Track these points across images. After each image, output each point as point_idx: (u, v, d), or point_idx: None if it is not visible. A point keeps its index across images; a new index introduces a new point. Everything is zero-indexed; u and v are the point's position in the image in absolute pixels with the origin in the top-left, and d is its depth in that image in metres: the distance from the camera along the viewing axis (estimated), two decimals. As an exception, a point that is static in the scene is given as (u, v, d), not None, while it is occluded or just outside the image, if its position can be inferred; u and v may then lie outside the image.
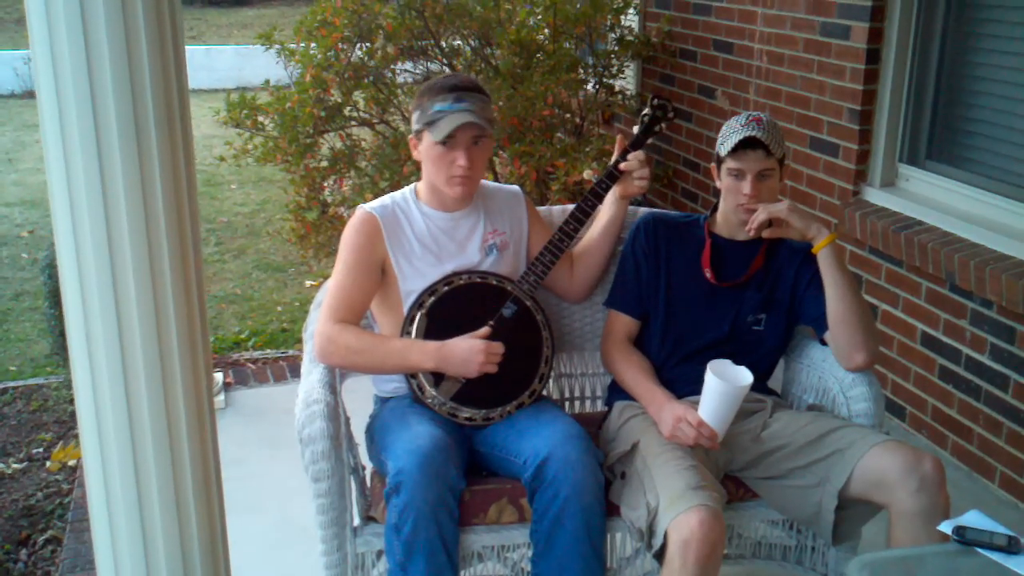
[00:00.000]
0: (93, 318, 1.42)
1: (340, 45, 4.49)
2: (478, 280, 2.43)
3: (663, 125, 2.64)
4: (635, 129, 2.62)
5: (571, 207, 2.56)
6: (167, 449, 1.50)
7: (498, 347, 2.33)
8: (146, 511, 1.51)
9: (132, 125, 1.36)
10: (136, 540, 1.52)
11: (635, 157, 2.51)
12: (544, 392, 2.48)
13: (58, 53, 1.31)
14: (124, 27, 1.32)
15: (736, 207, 2.45)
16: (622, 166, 2.52)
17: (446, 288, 2.40)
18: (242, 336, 4.84)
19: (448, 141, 2.33)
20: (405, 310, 2.40)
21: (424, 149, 2.39)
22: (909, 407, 3.58)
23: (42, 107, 1.36)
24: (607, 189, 2.55)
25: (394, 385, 2.47)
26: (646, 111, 2.63)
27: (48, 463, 3.53)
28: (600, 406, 2.78)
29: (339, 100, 4.55)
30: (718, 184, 2.50)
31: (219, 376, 4.00)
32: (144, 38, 1.34)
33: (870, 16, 3.55)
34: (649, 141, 2.63)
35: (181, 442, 1.51)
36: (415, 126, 2.40)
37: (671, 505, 2.07)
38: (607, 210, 2.59)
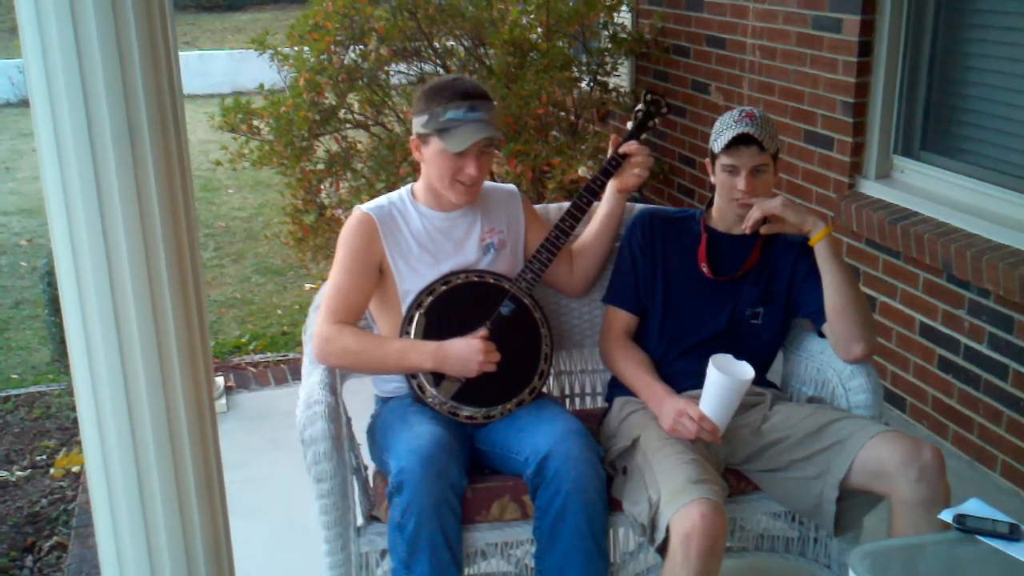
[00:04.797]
0: (92, 325, 1.42)
1: (333, 48, 4.49)
2: (476, 279, 2.43)
3: (656, 121, 2.65)
4: (629, 125, 2.62)
5: (567, 204, 2.57)
6: (169, 454, 1.50)
7: (495, 351, 2.34)
8: (149, 515, 1.51)
9: (126, 132, 1.36)
10: (140, 544, 1.52)
11: (638, 144, 2.53)
12: (544, 389, 2.49)
13: (51, 62, 1.32)
14: (116, 35, 1.33)
15: (731, 202, 2.45)
16: (624, 148, 2.53)
17: (444, 287, 2.40)
18: (243, 340, 4.84)
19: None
20: (403, 310, 2.41)
21: (431, 154, 2.38)
22: (909, 398, 3.59)
23: (36, 116, 1.37)
24: (603, 185, 2.56)
25: (394, 385, 2.48)
26: (639, 107, 2.63)
27: (52, 470, 3.53)
28: (600, 402, 2.79)
29: (333, 103, 4.56)
30: (713, 180, 2.50)
31: (220, 380, 4.01)
32: (136, 45, 1.34)
33: (861, 9, 3.55)
34: (643, 137, 2.63)
35: (183, 446, 1.51)
36: (420, 129, 2.38)
37: (672, 499, 2.08)
38: (604, 205, 2.60)
